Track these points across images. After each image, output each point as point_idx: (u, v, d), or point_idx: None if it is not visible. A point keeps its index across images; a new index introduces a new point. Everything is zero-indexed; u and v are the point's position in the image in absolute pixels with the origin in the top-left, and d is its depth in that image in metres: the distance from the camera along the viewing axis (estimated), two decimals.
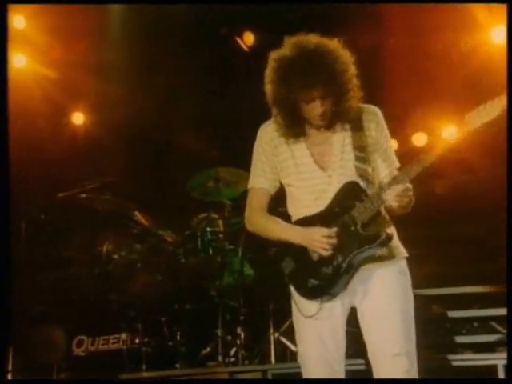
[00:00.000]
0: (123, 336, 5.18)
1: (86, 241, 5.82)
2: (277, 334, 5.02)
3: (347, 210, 2.76)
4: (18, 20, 5.91)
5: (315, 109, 2.74)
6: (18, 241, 6.05)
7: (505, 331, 4.46)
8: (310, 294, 2.81)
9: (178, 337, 5.23)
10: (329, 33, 5.49)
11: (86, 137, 6.55)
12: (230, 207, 5.43)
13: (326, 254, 2.74)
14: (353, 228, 2.73)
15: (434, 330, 4.47)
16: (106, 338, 5.24)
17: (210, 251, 5.38)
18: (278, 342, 5.01)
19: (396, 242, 2.85)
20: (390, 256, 2.80)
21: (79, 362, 5.24)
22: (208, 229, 5.40)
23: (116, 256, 5.49)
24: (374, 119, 2.87)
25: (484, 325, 4.53)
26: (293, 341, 4.96)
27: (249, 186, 2.98)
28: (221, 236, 5.40)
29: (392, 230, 2.86)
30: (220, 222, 5.45)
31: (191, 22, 5.65)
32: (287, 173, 2.89)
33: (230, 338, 5.08)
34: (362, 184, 2.79)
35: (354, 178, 2.80)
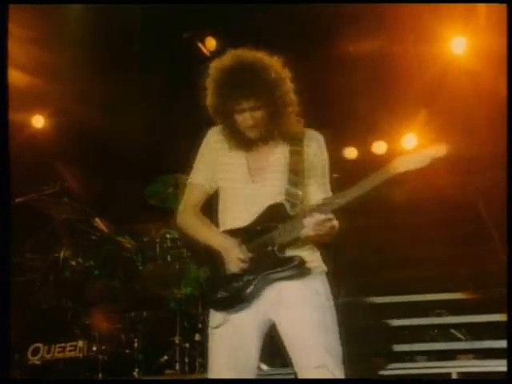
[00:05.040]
0: (80, 343, 5.11)
1: (43, 247, 5.72)
2: None
3: (268, 230, 2.82)
4: None
5: (246, 120, 2.82)
6: None
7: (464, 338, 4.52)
8: (218, 304, 2.87)
9: (136, 344, 5.18)
10: (288, 37, 5.55)
11: (45, 140, 6.45)
12: None
13: (234, 270, 2.82)
14: (270, 249, 2.80)
15: (389, 337, 4.50)
16: (62, 345, 5.16)
17: (169, 258, 5.34)
18: None
19: (313, 258, 2.90)
20: (307, 273, 2.85)
21: (34, 370, 5.16)
22: (167, 236, 5.36)
23: (73, 262, 5.43)
24: (314, 145, 2.94)
25: (444, 332, 4.57)
26: None
27: (188, 180, 3.04)
28: (179, 243, 5.36)
29: (310, 251, 2.90)
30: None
31: (153, 25, 5.60)
32: (222, 177, 2.96)
33: (187, 345, 5.04)
34: (289, 207, 2.83)
35: (282, 199, 2.85)
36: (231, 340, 2.82)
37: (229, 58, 2.87)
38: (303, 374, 2.79)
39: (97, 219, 5.65)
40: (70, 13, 5.69)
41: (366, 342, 4.40)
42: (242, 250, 2.81)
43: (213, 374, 2.87)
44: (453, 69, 5.43)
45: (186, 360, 4.99)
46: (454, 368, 4.05)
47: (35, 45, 5.73)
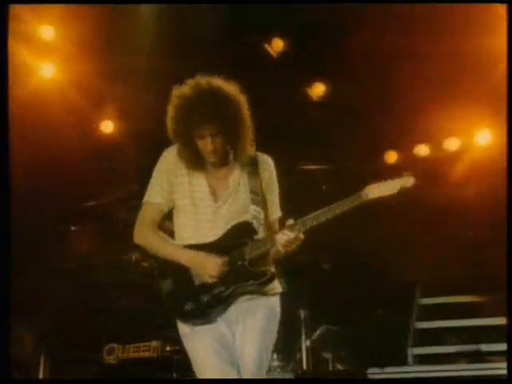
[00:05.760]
0: (154, 344, 5.19)
1: (115, 249, 5.83)
2: (309, 342, 5.01)
3: (238, 246, 2.96)
4: (47, 30, 5.95)
5: (207, 145, 2.96)
6: (46, 250, 6.14)
7: None
8: (185, 316, 2.98)
9: None
10: (354, 34, 5.52)
11: (114, 145, 6.54)
12: None
13: (210, 281, 2.93)
14: (240, 263, 2.93)
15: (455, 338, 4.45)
16: (136, 345, 5.26)
17: None
18: (310, 350, 4.99)
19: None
20: (265, 292, 3.01)
21: (110, 369, 5.26)
22: None
23: (145, 264, 5.52)
24: (268, 168, 3.14)
25: None
26: (326, 348, 4.98)
27: (144, 200, 3.13)
28: None
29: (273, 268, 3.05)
30: None
31: (220, 27, 5.62)
32: (181, 196, 3.06)
33: None
34: (256, 225, 3.00)
35: (249, 217, 3.01)
36: (210, 341, 2.93)
37: (190, 86, 3.00)
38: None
39: (166, 221, 5.73)
40: (138, 15, 5.75)
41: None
42: (217, 258, 2.92)
43: (204, 374, 2.95)
44: None
45: None
46: None
47: (103, 49, 5.81)
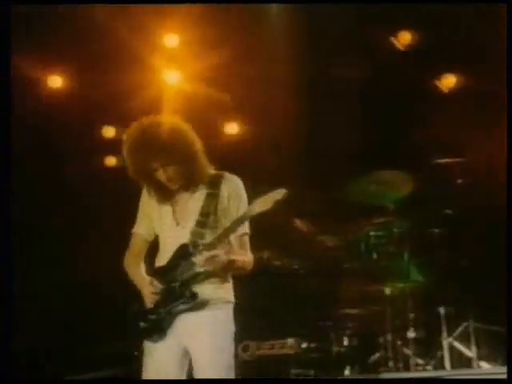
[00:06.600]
0: (289, 341, 5.25)
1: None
2: (450, 339, 4.91)
3: (175, 268, 3.22)
4: (171, 38, 6.13)
5: (161, 176, 3.24)
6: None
7: None
8: (141, 334, 3.29)
9: (345, 342, 5.24)
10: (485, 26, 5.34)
11: (239, 148, 6.61)
12: (394, 210, 5.37)
13: (149, 305, 3.26)
14: (173, 285, 3.21)
15: None
16: (271, 342, 5.34)
17: (374, 255, 5.35)
18: (451, 348, 4.89)
19: (215, 291, 3.21)
20: (205, 304, 3.18)
21: (245, 365, 5.37)
22: (371, 233, 5.38)
23: (278, 263, 5.62)
24: (229, 188, 3.28)
25: None
26: (467, 346, 4.87)
27: (132, 230, 3.47)
28: (384, 240, 5.35)
29: (215, 285, 3.21)
30: (383, 226, 5.40)
31: (345, 24, 5.58)
32: (156, 223, 3.38)
33: (400, 343, 5.01)
34: (191, 247, 3.19)
35: (188, 239, 3.22)
36: (156, 369, 3.21)
37: (134, 127, 3.27)
38: None
39: (296, 220, 5.81)
40: (262, 18, 5.79)
41: None
42: (155, 285, 3.24)
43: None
44: None
45: (400, 358, 4.96)
46: None
47: (236, 55, 5.88)
